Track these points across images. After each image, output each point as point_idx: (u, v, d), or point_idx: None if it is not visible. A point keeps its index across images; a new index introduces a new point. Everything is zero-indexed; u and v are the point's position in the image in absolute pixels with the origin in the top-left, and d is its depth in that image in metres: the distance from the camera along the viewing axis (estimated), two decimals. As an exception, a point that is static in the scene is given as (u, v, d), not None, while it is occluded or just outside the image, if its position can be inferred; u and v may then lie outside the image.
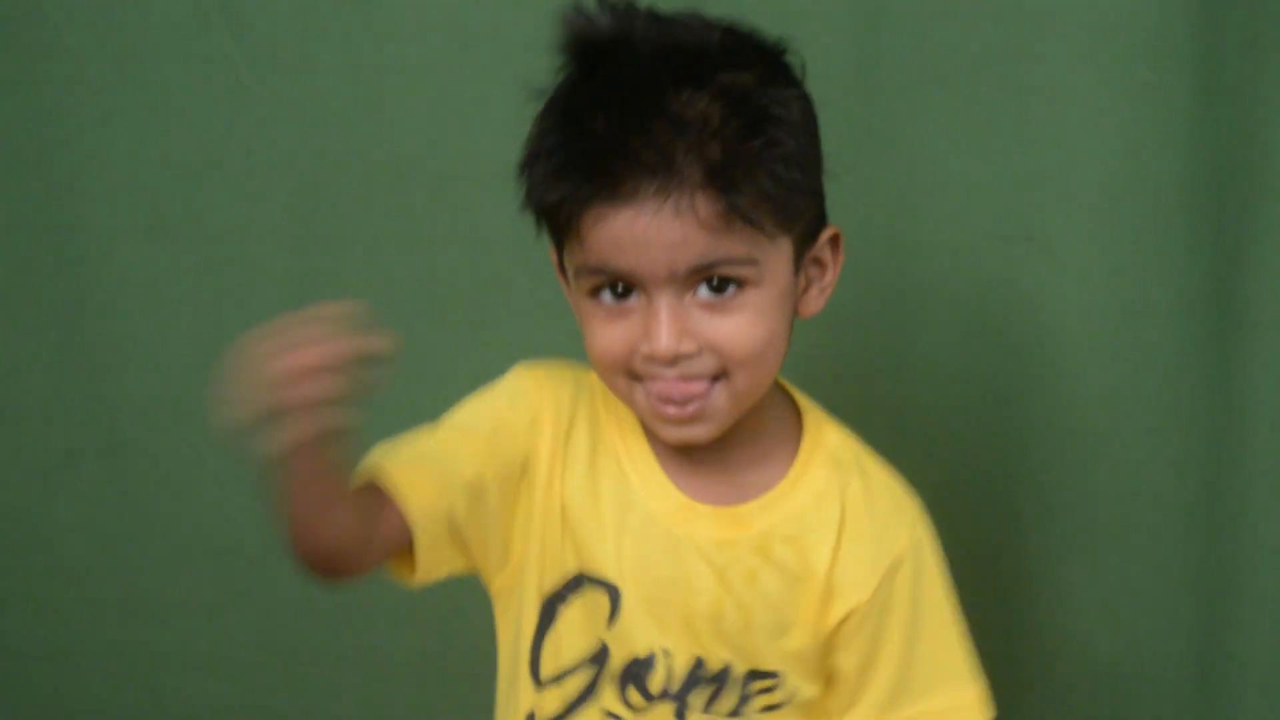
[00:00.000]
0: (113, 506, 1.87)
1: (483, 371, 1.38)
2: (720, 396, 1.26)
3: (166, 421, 1.84)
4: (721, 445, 1.31)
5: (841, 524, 1.34)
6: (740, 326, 1.24)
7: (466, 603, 1.45)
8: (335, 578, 1.27)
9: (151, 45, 1.77)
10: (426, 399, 1.41)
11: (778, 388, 1.37)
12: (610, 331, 1.26)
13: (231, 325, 1.78)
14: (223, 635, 1.88)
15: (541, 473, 1.33)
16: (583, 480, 1.33)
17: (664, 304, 1.23)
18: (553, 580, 1.34)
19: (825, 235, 1.31)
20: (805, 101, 1.27)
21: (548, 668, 1.35)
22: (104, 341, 1.83)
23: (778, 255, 1.25)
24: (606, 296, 1.25)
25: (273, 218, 1.79)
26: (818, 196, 1.30)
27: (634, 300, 1.25)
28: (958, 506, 1.67)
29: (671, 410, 1.26)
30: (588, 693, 1.34)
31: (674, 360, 1.24)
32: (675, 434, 1.27)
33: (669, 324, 1.23)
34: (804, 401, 1.38)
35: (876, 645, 1.35)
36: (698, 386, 1.25)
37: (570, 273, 1.28)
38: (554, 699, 1.35)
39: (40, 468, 1.87)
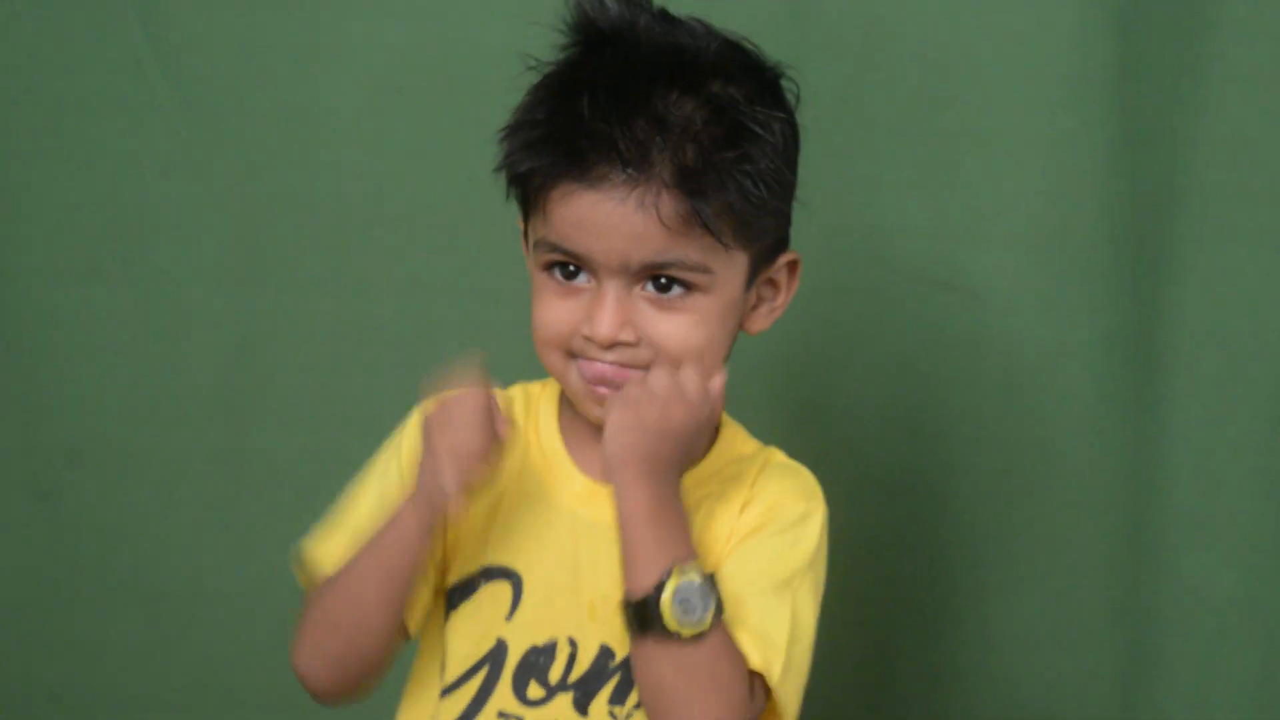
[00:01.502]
0: (45, 549, 1.86)
1: (410, 412, 1.39)
2: None
3: (99, 465, 1.85)
4: None
5: (746, 506, 1.33)
6: (680, 328, 1.26)
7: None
8: (346, 694, 1.34)
9: (87, 91, 1.78)
10: (356, 436, 1.42)
11: None
12: (557, 307, 1.28)
13: (167, 367, 1.82)
14: (156, 677, 1.87)
15: None
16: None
17: (611, 292, 1.25)
18: (455, 579, 1.34)
19: (784, 259, 1.32)
20: (789, 125, 1.29)
21: (448, 674, 1.34)
22: (38, 385, 1.83)
23: (732, 268, 1.27)
24: (558, 274, 1.27)
25: (208, 260, 1.80)
26: (783, 219, 1.31)
27: (583, 281, 1.27)
28: (882, 549, 1.71)
29: (603, 390, 1.27)
30: (483, 697, 1.33)
31: (611, 346, 1.26)
32: (601, 413, 1.28)
33: (613, 311, 1.25)
34: (725, 417, 1.38)
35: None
36: (633, 374, 1.27)
37: (531, 243, 1.30)
38: (452, 707, 1.34)
39: (-29, 509, 1.87)
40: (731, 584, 1.27)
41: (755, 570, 1.29)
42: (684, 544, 1.25)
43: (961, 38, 1.67)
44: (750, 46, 1.29)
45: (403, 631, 1.33)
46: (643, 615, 1.23)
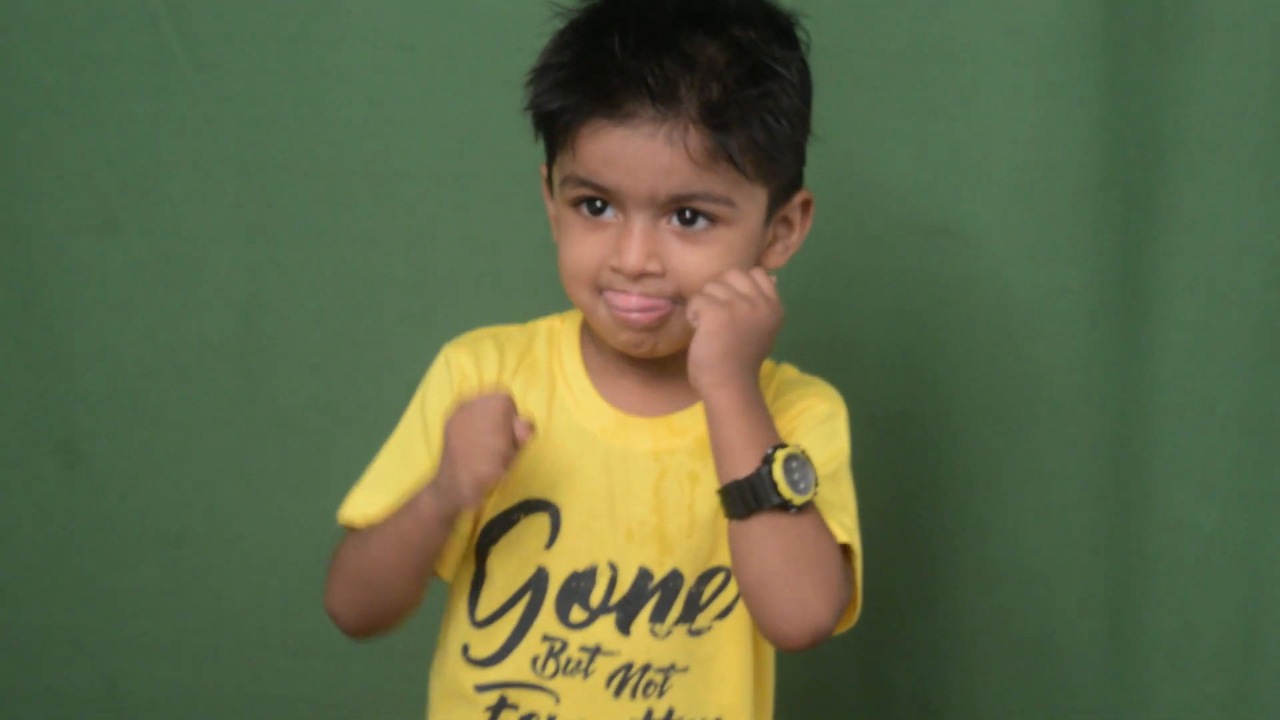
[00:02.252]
0: (65, 498, 1.88)
1: (423, 363, 1.42)
2: (677, 320, 1.31)
3: (118, 415, 1.86)
4: (660, 365, 1.36)
5: (776, 419, 1.36)
6: (705, 260, 1.30)
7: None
8: (376, 634, 1.39)
9: (102, 49, 1.79)
10: (370, 388, 1.46)
11: None
12: (585, 241, 1.31)
13: (182, 320, 1.83)
14: (174, 622, 1.89)
15: None
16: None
17: (638, 224, 1.29)
18: (492, 514, 1.37)
19: (799, 198, 1.36)
20: (804, 67, 1.33)
21: (484, 609, 1.38)
22: (57, 338, 1.85)
23: (753, 203, 1.31)
24: (585, 209, 1.31)
25: (222, 216, 1.82)
26: (800, 157, 1.35)
27: (610, 216, 1.30)
28: (881, 487, 1.70)
29: (634, 316, 1.30)
30: (526, 623, 1.37)
31: (638, 277, 1.29)
32: (632, 338, 1.32)
33: (640, 242, 1.29)
34: None
35: None
36: (660, 303, 1.30)
37: (558, 182, 1.33)
38: (491, 639, 1.38)
39: (-6, 460, 1.88)
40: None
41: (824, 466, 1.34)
42: (774, 430, 1.30)
43: (953, -7, 1.68)
44: None
45: (432, 574, 1.37)
46: (755, 490, 1.27)
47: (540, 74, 1.31)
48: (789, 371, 1.43)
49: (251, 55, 1.78)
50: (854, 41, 1.70)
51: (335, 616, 1.39)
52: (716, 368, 1.29)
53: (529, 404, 1.37)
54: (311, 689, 1.87)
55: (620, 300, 1.31)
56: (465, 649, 1.39)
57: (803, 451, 1.29)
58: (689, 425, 1.37)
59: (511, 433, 1.27)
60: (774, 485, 1.27)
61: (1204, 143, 1.67)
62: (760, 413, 1.30)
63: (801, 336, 1.70)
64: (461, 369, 1.39)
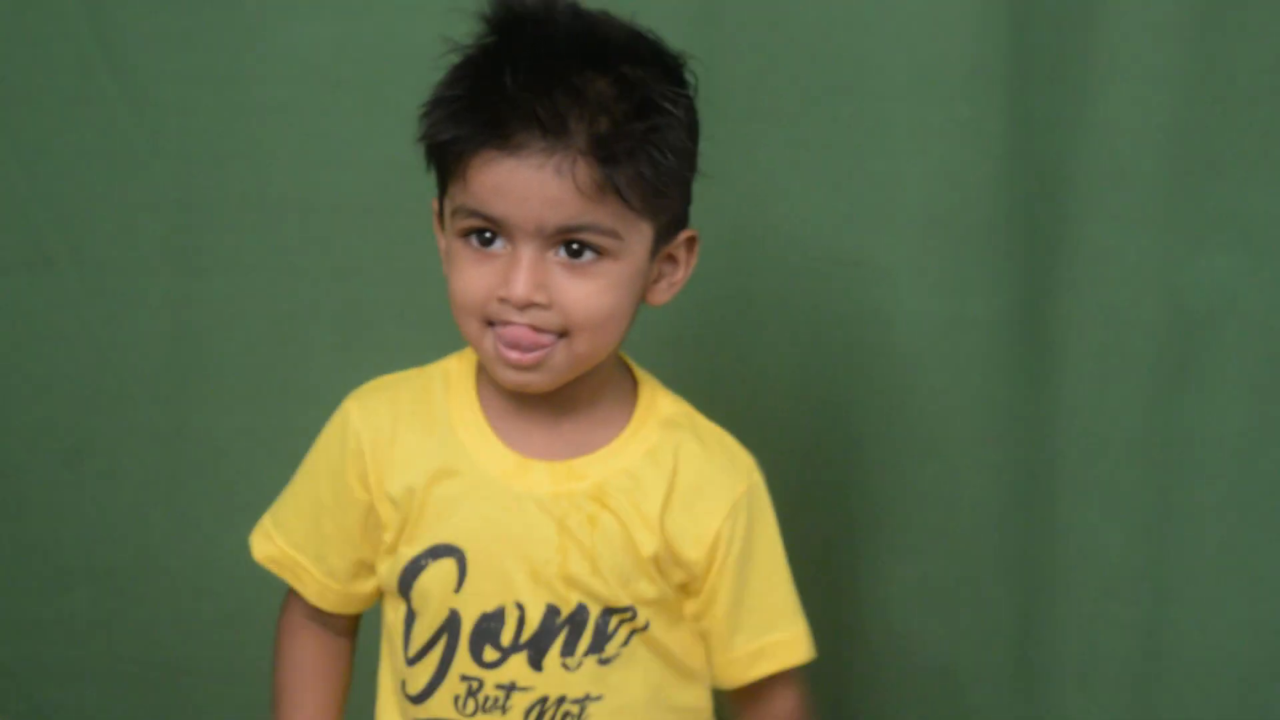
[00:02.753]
0: None
1: (347, 391, 1.45)
2: (561, 354, 1.33)
3: (47, 446, 1.87)
4: (557, 407, 1.38)
5: (674, 476, 1.40)
6: (590, 293, 1.31)
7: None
8: None
9: (34, 85, 1.80)
10: (299, 417, 1.47)
11: (619, 361, 1.43)
12: (473, 273, 1.32)
13: (112, 352, 1.85)
14: (104, 650, 1.90)
15: (376, 486, 1.41)
16: (416, 465, 1.39)
17: (526, 255, 1.30)
18: (405, 561, 1.40)
19: (684, 235, 1.38)
20: (691, 106, 1.36)
21: (412, 647, 1.41)
22: None
23: (639, 237, 1.33)
24: (475, 241, 1.33)
25: (152, 250, 1.83)
26: (686, 194, 1.38)
27: (499, 247, 1.32)
28: (792, 512, 1.66)
29: (514, 355, 1.32)
30: (445, 663, 1.39)
31: (526, 307, 1.31)
32: (515, 378, 1.33)
33: (528, 272, 1.30)
34: (641, 374, 1.44)
35: (712, 589, 1.41)
36: (544, 338, 1.32)
37: (448, 214, 1.35)
38: (419, 676, 1.41)
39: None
40: (758, 599, 1.42)
41: (767, 584, 1.44)
42: None
43: (863, 33, 1.70)
44: (654, 37, 1.35)
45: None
46: None
47: (434, 106, 1.34)
48: (669, 403, 1.44)
49: (182, 92, 1.80)
50: (767, 79, 1.72)
51: None
52: None
53: (425, 452, 1.39)
54: (242, 716, 1.86)
55: (508, 333, 1.32)
56: (402, 685, 1.42)
57: None
58: (589, 471, 1.39)
59: None
60: None
61: (1106, 177, 1.69)
62: None
63: (714, 367, 1.76)
64: (355, 431, 1.41)
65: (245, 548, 1.47)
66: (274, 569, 1.46)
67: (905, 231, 1.73)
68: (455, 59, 1.34)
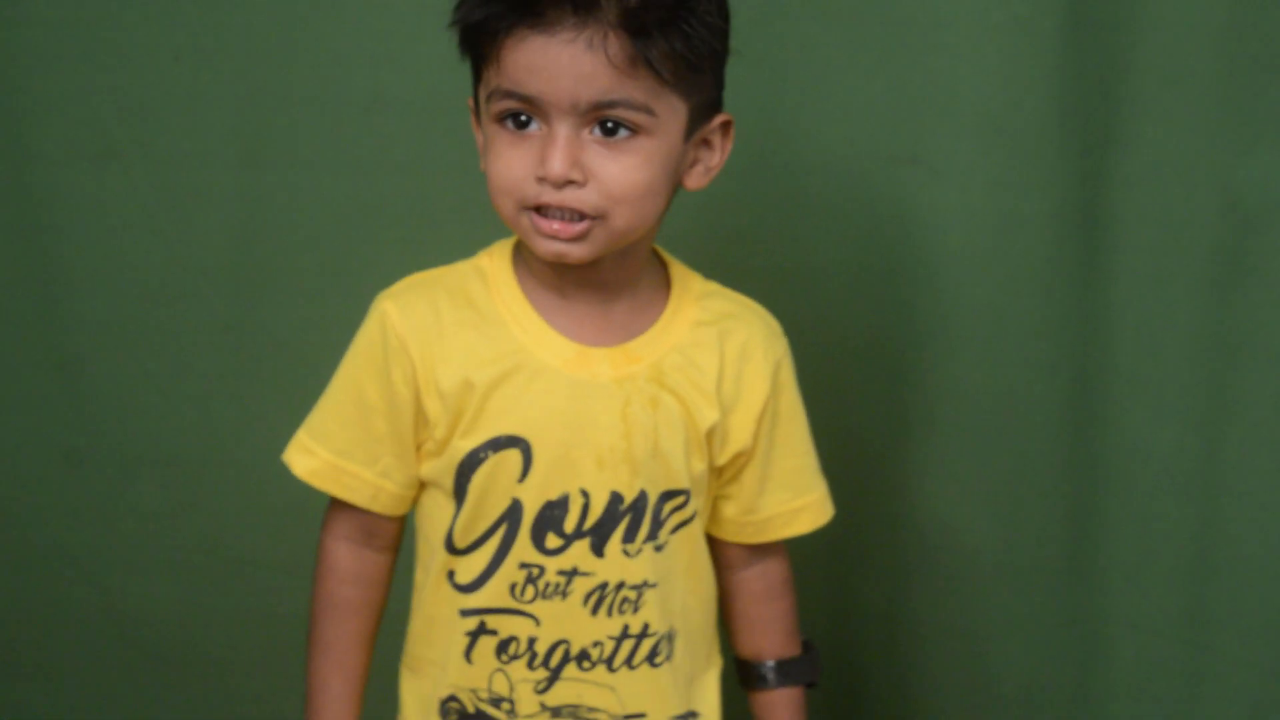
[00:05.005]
0: (63, 418, 1.91)
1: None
2: (599, 230, 1.34)
3: (115, 338, 1.89)
4: (602, 295, 1.41)
5: (722, 346, 1.43)
6: (626, 169, 1.33)
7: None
8: None
9: None
10: (361, 312, 1.48)
11: (653, 252, 1.45)
12: (511, 155, 1.34)
13: (178, 245, 1.86)
14: (169, 540, 1.93)
15: (425, 383, 1.42)
16: (471, 360, 1.40)
17: (562, 133, 1.32)
18: (464, 452, 1.41)
19: (718, 119, 1.39)
20: None
21: (461, 539, 1.43)
22: (56, 262, 1.88)
23: (672, 115, 1.34)
24: (510, 124, 1.34)
25: (217, 143, 1.84)
26: (719, 74, 1.38)
27: (535, 129, 1.33)
28: (848, 410, 1.77)
29: (556, 226, 1.34)
30: (503, 552, 1.41)
31: (563, 184, 1.32)
32: (554, 248, 1.35)
33: (564, 150, 1.32)
34: (670, 258, 1.47)
35: (748, 453, 1.46)
36: (579, 226, 1.34)
37: (483, 101, 1.36)
38: (473, 565, 1.42)
39: (-8, 380, 1.91)
40: (790, 460, 1.46)
41: (799, 446, 1.47)
42: None
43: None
44: None
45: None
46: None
47: None
48: (699, 282, 1.47)
49: (244, -11, 1.80)
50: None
51: None
52: None
53: (478, 348, 1.40)
54: (303, 607, 1.80)
55: (544, 225, 1.34)
56: (451, 574, 1.44)
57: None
58: (644, 352, 1.42)
59: None
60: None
61: (1160, 74, 1.69)
62: None
63: (767, 263, 1.77)
64: (395, 329, 1.42)
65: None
66: (316, 483, 1.45)
67: (960, 129, 1.73)
68: None
